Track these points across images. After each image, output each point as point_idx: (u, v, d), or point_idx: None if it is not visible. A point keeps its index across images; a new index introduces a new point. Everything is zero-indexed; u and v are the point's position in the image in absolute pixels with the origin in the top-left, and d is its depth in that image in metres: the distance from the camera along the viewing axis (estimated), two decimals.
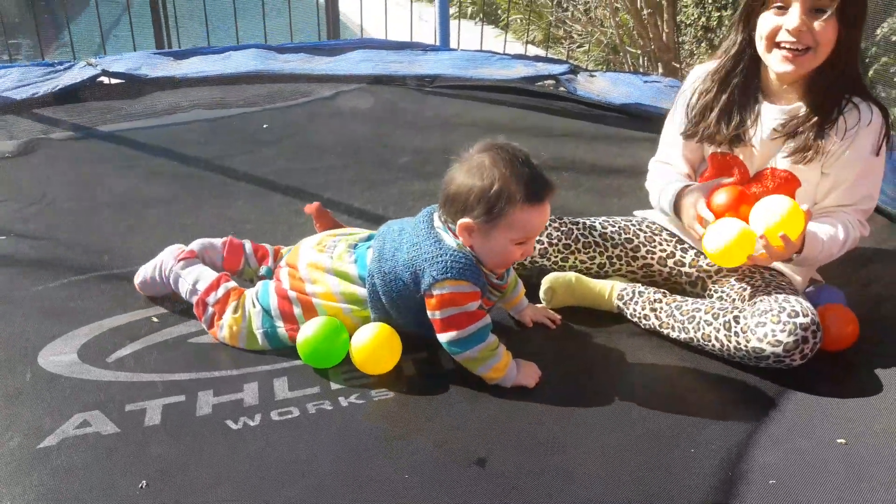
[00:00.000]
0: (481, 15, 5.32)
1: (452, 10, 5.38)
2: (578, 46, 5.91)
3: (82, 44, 4.46)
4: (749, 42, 1.70)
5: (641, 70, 4.83)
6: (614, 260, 1.89)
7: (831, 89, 1.66)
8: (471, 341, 1.54)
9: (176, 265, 1.78)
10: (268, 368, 1.63)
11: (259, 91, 3.39)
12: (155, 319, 1.79)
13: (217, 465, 1.36)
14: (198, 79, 3.39)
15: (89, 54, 3.67)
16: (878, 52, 3.88)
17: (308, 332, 1.60)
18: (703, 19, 4.84)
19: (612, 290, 1.82)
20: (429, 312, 1.56)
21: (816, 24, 1.58)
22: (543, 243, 1.86)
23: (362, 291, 1.63)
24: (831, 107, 1.66)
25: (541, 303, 1.85)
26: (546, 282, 1.83)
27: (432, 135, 3.04)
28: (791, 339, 1.53)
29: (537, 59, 3.83)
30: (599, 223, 1.90)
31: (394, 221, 1.70)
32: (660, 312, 1.74)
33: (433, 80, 3.52)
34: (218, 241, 1.88)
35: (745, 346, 1.57)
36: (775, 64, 1.65)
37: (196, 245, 1.86)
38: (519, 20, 6.59)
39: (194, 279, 1.74)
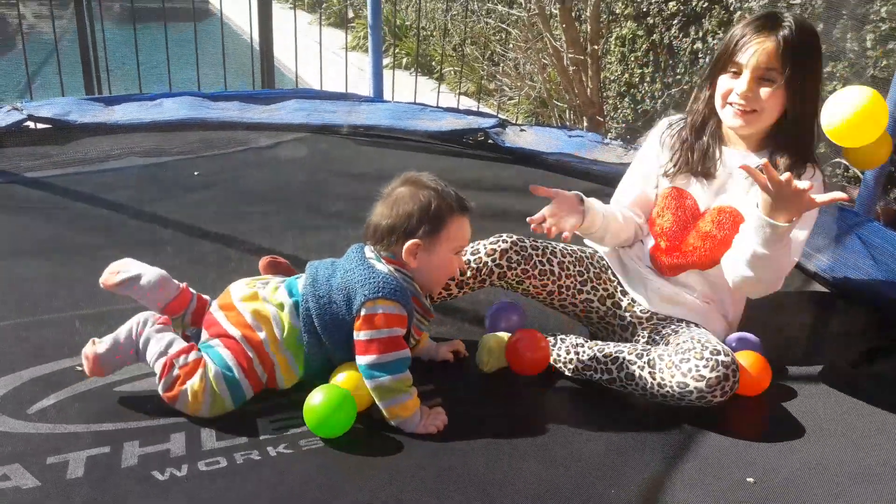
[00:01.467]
0: (416, 66, 5.46)
1: (387, 61, 5.52)
2: (509, 99, 6.11)
3: (7, 88, 4.36)
4: (713, 97, 1.86)
5: (568, 123, 5.02)
6: (563, 290, 1.96)
7: (784, 149, 1.78)
8: (390, 368, 1.58)
9: (151, 328, 1.70)
10: (195, 420, 1.61)
11: (191, 139, 3.39)
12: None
13: None
14: (128, 126, 3.37)
15: (14, 98, 3.61)
16: None
17: (316, 402, 1.57)
18: (626, 76, 5.08)
19: None
20: (355, 334, 1.60)
21: (762, 92, 1.73)
22: (503, 267, 1.91)
23: (296, 322, 1.66)
24: (788, 164, 1.77)
25: (477, 361, 1.87)
26: (483, 346, 1.85)
27: (365, 183, 3.07)
28: (714, 374, 1.61)
29: (468, 112, 3.95)
30: (559, 251, 1.97)
31: (324, 260, 1.77)
32: (582, 355, 1.80)
33: (367, 131, 3.59)
34: (179, 285, 1.82)
35: (670, 382, 1.65)
36: (727, 119, 1.82)
37: (154, 273, 1.79)
38: (453, 72, 6.78)
39: (167, 342, 1.67)
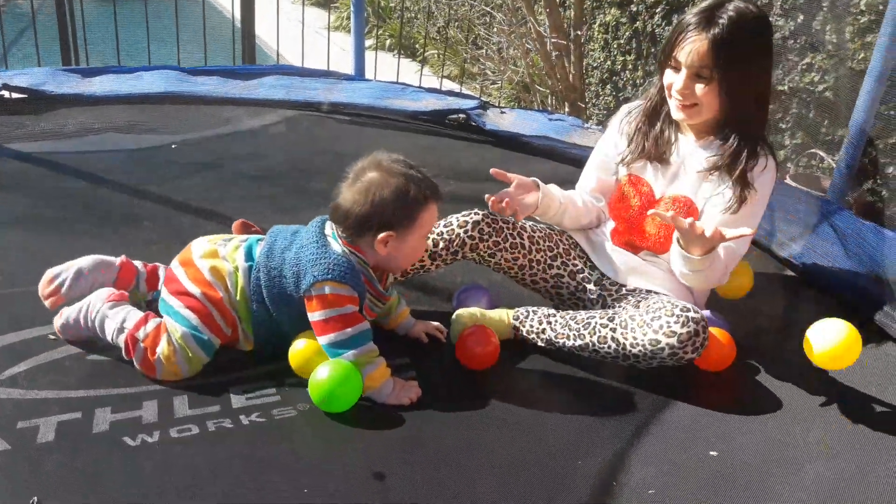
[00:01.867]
0: (398, 48, 5.44)
1: (370, 42, 5.49)
2: (492, 83, 6.11)
3: None
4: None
5: (549, 108, 5.03)
6: (533, 265, 1.98)
7: (731, 137, 1.81)
8: (351, 343, 1.60)
9: (103, 306, 1.70)
10: (167, 388, 1.62)
11: (170, 113, 3.36)
12: (51, 337, 1.75)
13: (114, 481, 1.36)
14: (106, 98, 3.34)
15: None
16: None
17: (322, 376, 1.56)
18: (609, 63, 5.10)
19: (507, 314, 1.90)
20: (309, 315, 1.61)
21: (698, 88, 1.75)
22: (475, 238, 1.93)
23: (248, 287, 1.67)
24: (735, 151, 1.80)
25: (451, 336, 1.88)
26: (456, 321, 1.86)
27: (345, 161, 3.07)
28: (685, 329, 1.65)
29: (449, 93, 3.94)
30: (529, 227, 2.00)
31: (290, 226, 1.76)
32: (554, 324, 1.83)
33: (347, 109, 3.57)
34: (115, 260, 1.84)
35: (642, 340, 1.68)
36: (672, 110, 1.85)
37: (88, 261, 1.80)
38: (436, 55, 6.76)
39: (122, 318, 1.68)
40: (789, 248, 2.48)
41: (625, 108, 2.04)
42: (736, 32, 1.70)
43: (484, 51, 6.07)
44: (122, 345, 1.66)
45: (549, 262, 2.00)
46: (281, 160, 3.04)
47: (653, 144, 1.91)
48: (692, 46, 1.73)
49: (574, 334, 1.80)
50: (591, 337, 1.77)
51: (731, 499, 1.44)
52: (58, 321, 1.75)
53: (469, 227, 1.94)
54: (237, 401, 1.60)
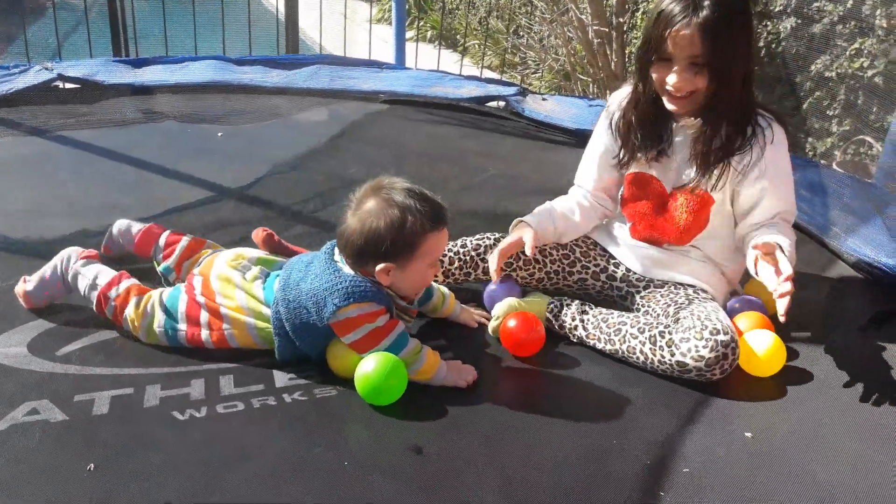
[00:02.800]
0: (440, 39, 5.46)
1: (411, 34, 5.52)
2: (533, 72, 6.09)
3: (37, 50, 4.43)
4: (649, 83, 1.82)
5: (591, 96, 5.00)
6: (552, 275, 2.00)
7: (726, 115, 1.78)
8: (391, 350, 1.60)
9: (77, 263, 1.81)
10: (214, 367, 1.68)
11: (216, 101, 3.44)
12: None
13: (163, 451, 1.42)
14: (155, 87, 3.43)
15: (45, 60, 3.67)
16: (812, 87, 4.11)
17: (368, 369, 1.56)
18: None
19: (544, 303, 1.91)
20: (343, 339, 1.61)
21: (691, 77, 1.72)
22: (487, 261, 1.94)
23: (267, 310, 1.67)
24: (732, 130, 1.79)
25: (490, 332, 1.88)
26: (496, 314, 1.86)
27: (384, 148, 3.14)
28: (712, 354, 1.64)
29: (489, 80, 3.96)
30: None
31: (304, 255, 1.76)
32: (586, 324, 1.83)
33: (387, 97, 3.61)
34: (136, 227, 1.98)
35: (670, 360, 1.68)
36: (666, 104, 1.81)
37: (115, 226, 1.99)
38: (476, 45, 6.76)
39: (94, 275, 1.78)
40: (835, 235, 2.45)
41: (612, 98, 1.98)
42: (722, 12, 1.66)
43: (525, 40, 6.05)
44: (93, 300, 1.76)
45: (567, 269, 2.00)
46: (322, 146, 3.09)
47: (653, 144, 1.86)
48: (681, 36, 1.68)
49: (605, 338, 1.79)
50: (621, 344, 1.76)
51: (767, 478, 1.45)
52: (22, 287, 1.84)
53: (482, 249, 1.97)
54: (280, 380, 1.65)
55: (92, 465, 1.37)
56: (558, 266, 1.99)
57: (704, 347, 1.64)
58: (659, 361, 1.70)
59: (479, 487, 1.38)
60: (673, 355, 1.67)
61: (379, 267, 1.58)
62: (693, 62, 1.71)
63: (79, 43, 4.76)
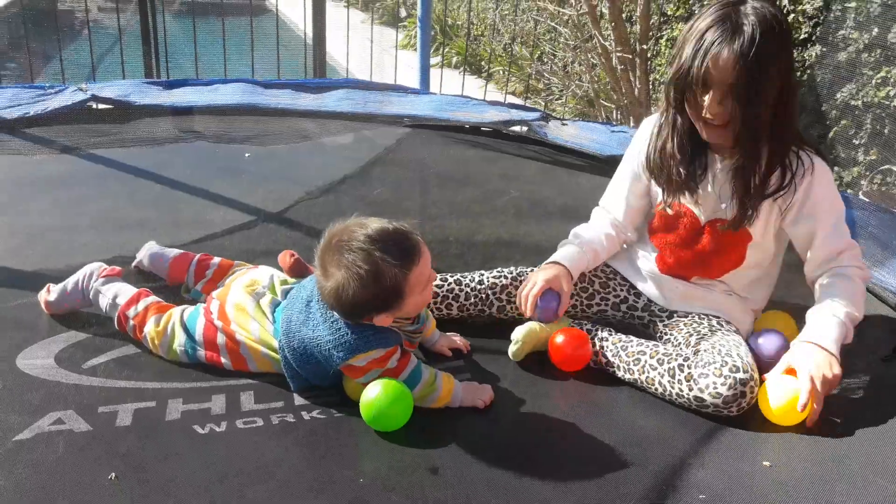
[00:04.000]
0: (464, 65, 5.53)
1: (436, 60, 5.60)
2: (556, 98, 6.14)
3: (72, 71, 4.57)
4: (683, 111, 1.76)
5: (614, 123, 5.03)
6: (569, 309, 1.95)
7: (766, 147, 1.73)
8: (407, 385, 1.59)
9: (97, 281, 1.85)
10: (235, 383, 1.70)
11: (244, 124, 3.51)
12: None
13: (183, 464, 1.44)
14: (185, 108, 3.51)
15: (79, 80, 3.78)
16: (838, 116, 4.10)
17: (373, 395, 1.55)
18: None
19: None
20: (355, 380, 1.61)
21: (730, 105, 1.65)
22: (503, 301, 1.93)
23: (277, 344, 1.66)
24: (771, 162, 1.74)
25: (511, 356, 1.87)
26: (517, 338, 1.85)
27: (409, 171, 3.18)
28: (730, 392, 1.62)
29: (511, 106, 3.99)
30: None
31: (308, 282, 1.69)
32: (606, 351, 1.81)
33: (411, 121, 3.66)
34: (170, 253, 2.02)
35: (688, 395, 1.66)
36: (702, 132, 1.74)
37: (145, 251, 2.04)
38: (501, 71, 6.83)
39: (114, 294, 1.81)
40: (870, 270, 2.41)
41: (645, 123, 1.91)
42: (763, 38, 1.59)
43: (549, 66, 6.10)
44: (114, 318, 1.80)
45: (585, 302, 1.98)
46: (347, 169, 3.14)
47: (688, 176, 1.80)
48: (721, 62, 1.61)
49: (624, 367, 1.78)
50: (639, 374, 1.75)
51: None
52: (45, 296, 1.89)
53: (498, 289, 1.94)
54: (299, 398, 1.66)
55: (114, 475, 1.39)
56: (576, 300, 1.97)
57: (723, 385, 1.62)
58: (677, 395, 1.68)
59: None
60: (691, 390, 1.66)
61: (376, 318, 1.55)
62: (731, 90, 1.63)
63: (112, 65, 4.89)
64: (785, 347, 1.83)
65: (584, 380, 1.81)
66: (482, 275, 1.97)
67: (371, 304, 1.53)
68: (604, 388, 1.79)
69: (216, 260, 1.97)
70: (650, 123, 1.91)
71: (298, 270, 1.98)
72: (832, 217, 1.79)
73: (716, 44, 1.61)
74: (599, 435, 1.61)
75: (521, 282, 1.93)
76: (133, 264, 2.09)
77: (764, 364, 1.77)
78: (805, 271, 1.86)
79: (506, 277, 1.96)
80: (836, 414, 1.72)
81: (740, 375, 1.63)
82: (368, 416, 1.55)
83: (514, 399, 1.73)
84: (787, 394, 1.64)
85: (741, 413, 1.66)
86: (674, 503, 1.42)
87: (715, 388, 1.63)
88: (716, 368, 1.64)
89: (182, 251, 2.05)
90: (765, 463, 1.55)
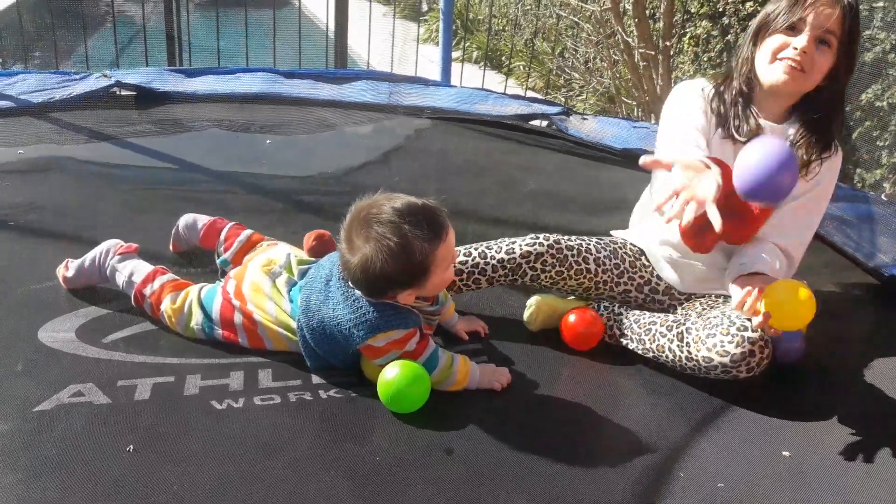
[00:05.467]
0: (485, 59, 5.52)
1: (457, 54, 5.59)
2: (577, 95, 6.12)
3: (96, 59, 4.61)
4: (753, 60, 1.78)
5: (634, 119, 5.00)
6: (600, 285, 1.94)
7: (809, 123, 1.77)
8: (426, 368, 1.59)
9: (113, 258, 1.86)
10: (253, 360, 1.71)
11: (265, 112, 3.52)
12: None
13: (201, 438, 1.45)
14: (207, 96, 3.53)
15: (103, 69, 3.80)
16: (862, 116, 4.05)
17: (391, 376, 1.55)
18: (699, 76, 5.03)
19: (569, 304, 1.92)
20: (373, 362, 1.61)
21: (817, 53, 1.70)
22: (537, 270, 1.87)
23: (294, 324, 1.67)
24: (822, 134, 1.77)
25: (525, 321, 1.90)
26: (530, 303, 1.88)
27: (429, 162, 3.18)
28: (738, 350, 1.61)
29: (533, 100, 3.99)
30: (594, 247, 1.92)
31: (325, 261, 1.69)
32: (621, 325, 1.84)
33: (432, 112, 3.66)
34: (202, 221, 2.04)
35: (696, 356, 1.66)
36: (774, 74, 1.73)
37: (181, 220, 2.06)
38: (521, 67, 6.81)
39: (130, 272, 1.82)
40: (882, 262, 2.40)
41: (695, 83, 1.89)
42: (857, 7, 1.69)
43: (570, 62, 6.08)
44: (131, 296, 1.81)
45: (615, 279, 1.95)
46: (365, 159, 3.14)
47: (741, 125, 1.79)
48: (823, 10, 1.67)
49: (636, 338, 1.80)
50: (650, 343, 1.77)
51: (803, 498, 1.42)
52: (63, 272, 1.91)
53: (532, 258, 1.87)
54: (317, 377, 1.67)
55: (132, 447, 1.40)
56: (608, 276, 1.93)
57: (730, 343, 1.61)
58: (686, 358, 1.68)
59: (507, 490, 1.38)
60: (699, 351, 1.65)
61: (399, 295, 1.56)
62: (822, 39, 1.68)
63: (135, 54, 4.93)
64: (801, 341, 1.81)
65: (600, 362, 1.81)
66: (513, 242, 1.90)
67: (397, 279, 1.51)
68: (620, 370, 1.79)
69: (247, 232, 1.97)
70: (691, 84, 1.89)
71: (319, 252, 1.98)
72: (817, 211, 1.82)
73: None
74: (616, 418, 1.61)
75: (557, 250, 1.87)
76: (170, 244, 2.11)
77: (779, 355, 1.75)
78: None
79: (542, 245, 1.87)
80: (857, 408, 1.71)
81: (749, 334, 1.61)
82: (386, 396, 1.55)
83: (531, 381, 1.73)
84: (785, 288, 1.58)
85: (751, 375, 1.63)
86: (692, 490, 1.41)
87: (723, 346, 1.62)
88: (723, 328, 1.64)
89: (216, 217, 2.05)
90: (784, 453, 1.54)
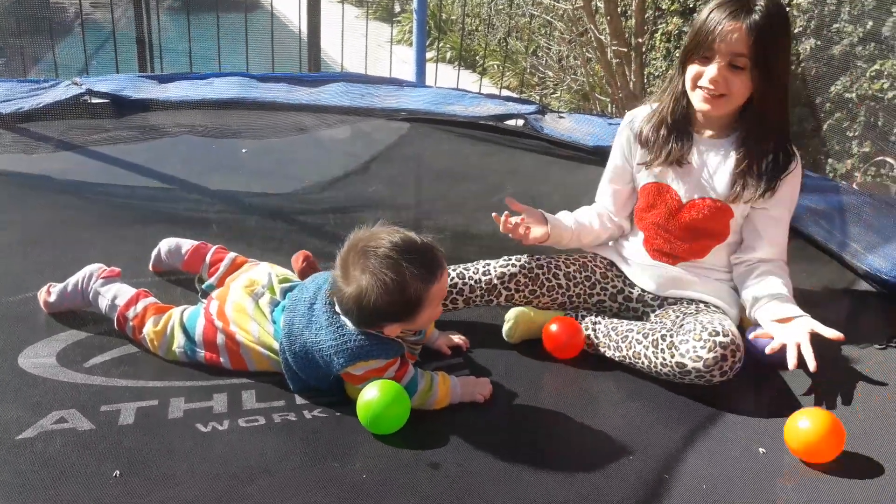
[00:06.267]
0: (459, 60, 5.52)
1: (431, 55, 5.58)
2: (552, 93, 6.14)
3: (65, 66, 4.53)
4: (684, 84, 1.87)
5: (609, 115, 5.03)
6: (574, 298, 1.98)
7: (754, 133, 1.83)
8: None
9: (96, 283, 1.85)
10: (236, 381, 1.70)
11: (239, 118, 3.49)
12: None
13: (187, 461, 1.45)
14: (180, 102, 3.49)
15: (72, 75, 3.74)
16: (832, 108, 4.11)
17: (369, 399, 1.54)
18: (671, 72, 5.07)
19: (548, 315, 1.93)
20: (354, 387, 1.60)
21: (731, 77, 1.75)
22: (511, 290, 1.93)
23: (277, 345, 1.66)
24: (759, 149, 1.83)
25: (504, 335, 1.92)
26: (509, 317, 1.91)
27: (405, 166, 3.18)
28: (711, 355, 1.65)
29: (507, 99, 3.99)
30: (563, 262, 1.98)
31: (310, 283, 1.70)
32: (598, 333, 1.87)
33: (407, 114, 3.65)
34: (185, 246, 2.02)
35: (670, 362, 1.70)
36: (696, 102, 1.83)
37: (164, 244, 2.04)
38: (495, 66, 6.82)
39: (113, 295, 1.81)
40: (861, 256, 2.44)
41: (629, 115, 2.03)
42: (771, 20, 1.72)
43: (544, 60, 6.10)
44: (114, 319, 1.80)
45: (588, 291, 1.99)
46: (344, 164, 3.13)
47: (677, 148, 1.88)
48: (728, 35, 1.72)
49: (614, 346, 1.82)
50: (627, 350, 1.79)
51: (781, 493, 1.46)
52: (45, 296, 1.89)
53: (506, 279, 1.93)
54: (301, 398, 1.66)
55: (118, 472, 1.40)
56: (580, 289, 1.98)
57: (703, 348, 1.66)
58: (661, 364, 1.72)
59: (494, 500, 1.40)
60: (673, 357, 1.69)
61: (387, 328, 1.57)
62: (733, 63, 1.74)
63: (105, 59, 4.86)
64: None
65: (580, 369, 1.83)
66: (488, 265, 1.96)
67: (389, 313, 1.53)
68: (600, 377, 1.81)
69: (231, 255, 1.96)
70: (636, 113, 2.01)
71: (309, 274, 1.96)
72: (788, 217, 1.91)
73: (727, 17, 1.72)
74: (597, 424, 1.63)
75: (528, 269, 1.95)
76: (150, 265, 2.10)
77: (759, 358, 1.79)
78: (734, 257, 1.94)
79: (514, 266, 1.94)
80: (832, 400, 1.74)
81: (720, 339, 1.66)
82: (366, 419, 1.55)
83: (513, 392, 1.74)
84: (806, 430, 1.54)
85: (725, 379, 1.67)
86: (676, 492, 1.44)
87: (695, 351, 1.66)
88: (696, 334, 1.69)
89: (199, 242, 2.04)
90: (760, 450, 1.57)
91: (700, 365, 1.66)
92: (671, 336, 1.73)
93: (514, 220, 1.89)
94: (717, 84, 1.76)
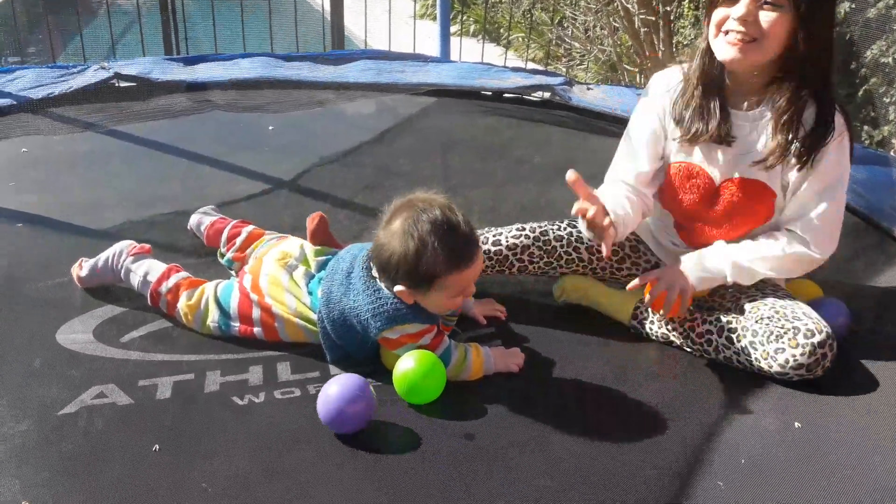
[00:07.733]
0: (483, 33, 5.46)
1: (455, 28, 5.52)
2: (578, 64, 6.06)
3: (92, 50, 4.56)
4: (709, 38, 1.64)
5: (637, 86, 4.96)
6: (597, 270, 1.90)
7: (792, 96, 1.60)
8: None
9: (127, 259, 1.86)
10: (271, 354, 1.71)
11: (266, 97, 3.49)
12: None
13: (224, 434, 1.46)
14: (207, 83, 3.50)
15: (100, 59, 3.77)
16: (868, 73, 4.00)
17: (405, 369, 1.54)
18: (700, 39, 4.97)
19: (629, 306, 1.84)
20: (391, 352, 1.61)
21: (763, 17, 1.52)
22: (524, 262, 1.85)
23: (314, 315, 1.67)
24: (798, 116, 1.60)
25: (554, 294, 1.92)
26: (559, 282, 1.88)
27: (431, 140, 3.16)
28: (812, 360, 1.58)
29: (534, 71, 3.95)
30: (586, 237, 1.79)
31: (345, 253, 1.70)
32: (675, 333, 1.76)
33: (434, 89, 3.62)
34: (205, 223, 2.06)
35: (769, 371, 1.62)
36: (720, 51, 1.59)
37: (191, 220, 2.09)
38: (520, 38, 6.74)
39: (145, 272, 1.83)
40: (893, 218, 2.39)
41: (662, 82, 1.76)
42: None
43: (570, 31, 6.01)
44: (147, 295, 1.81)
45: (616, 265, 1.91)
46: (369, 140, 3.12)
47: (716, 124, 1.64)
48: None
49: (698, 349, 1.73)
50: (715, 355, 1.70)
51: (822, 469, 1.44)
52: (77, 271, 1.92)
53: (518, 250, 1.84)
54: (335, 368, 1.67)
55: (157, 446, 1.41)
56: (605, 263, 1.89)
57: (802, 355, 1.57)
58: (758, 370, 1.64)
59: (529, 471, 1.40)
60: (771, 367, 1.61)
61: (396, 289, 1.56)
62: (767, 1, 1.50)
63: (131, 42, 4.90)
64: (847, 315, 1.78)
65: (615, 341, 1.81)
66: (499, 233, 1.86)
67: (399, 272, 1.53)
68: (634, 349, 1.79)
69: (248, 228, 1.98)
70: (661, 78, 1.79)
71: (321, 236, 1.96)
72: (835, 187, 1.67)
73: None
74: (632, 398, 1.62)
75: (544, 242, 1.85)
76: (189, 225, 2.14)
77: None
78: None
79: (527, 237, 1.85)
80: (868, 375, 1.71)
81: (816, 339, 1.57)
82: (402, 389, 1.55)
83: (547, 362, 1.73)
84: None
85: (825, 373, 1.61)
86: (717, 466, 1.42)
87: (795, 359, 1.58)
88: (790, 339, 1.58)
89: (219, 217, 2.07)
90: (795, 424, 1.55)
91: (803, 371, 1.59)
92: (762, 345, 1.61)
93: (591, 210, 1.60)
94: (747, 24, 1.51)
